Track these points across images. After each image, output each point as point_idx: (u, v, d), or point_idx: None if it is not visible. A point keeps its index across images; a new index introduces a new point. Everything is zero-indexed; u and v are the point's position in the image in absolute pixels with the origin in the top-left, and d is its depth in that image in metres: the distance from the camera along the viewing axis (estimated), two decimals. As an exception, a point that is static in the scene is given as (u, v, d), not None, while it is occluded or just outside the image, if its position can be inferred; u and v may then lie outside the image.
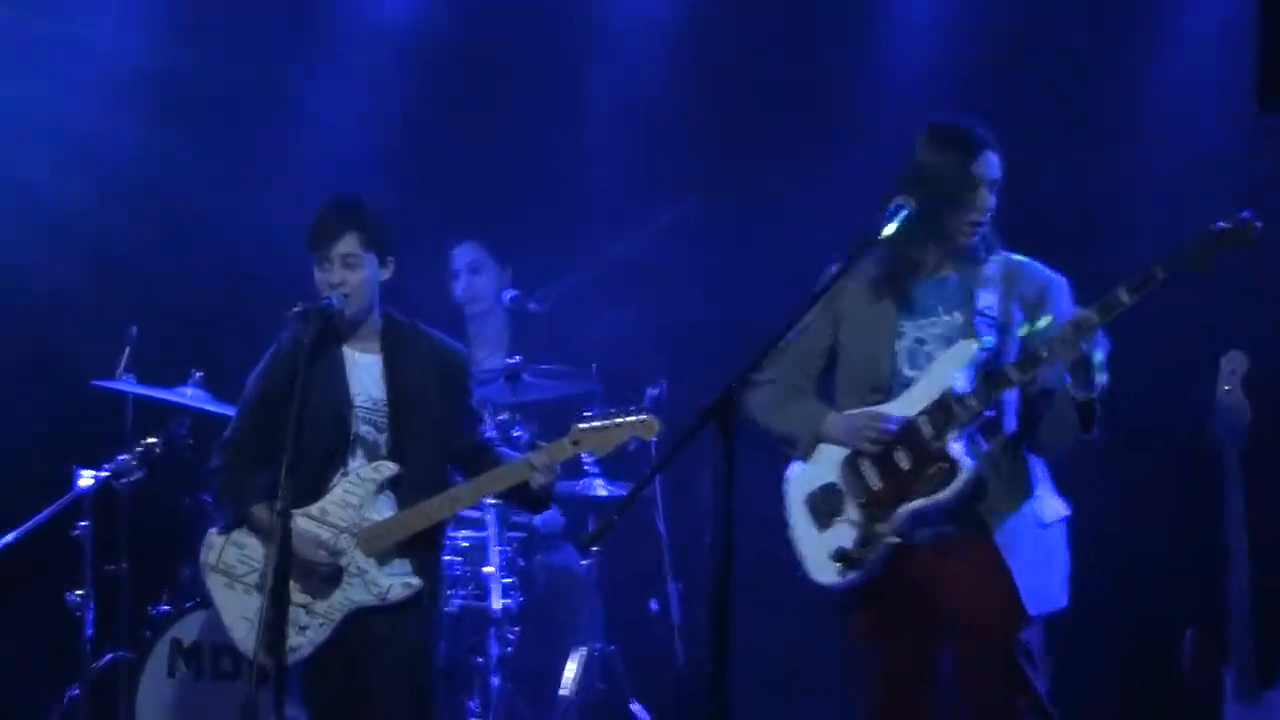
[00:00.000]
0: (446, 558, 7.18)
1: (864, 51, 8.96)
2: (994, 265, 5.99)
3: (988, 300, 5.93)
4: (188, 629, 7.91)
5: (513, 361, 8.29)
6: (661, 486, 8.51)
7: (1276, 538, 7.05)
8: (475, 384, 6.80)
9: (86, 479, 8.03)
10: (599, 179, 9.19)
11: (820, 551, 5.99)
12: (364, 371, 6.47)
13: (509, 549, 8.16)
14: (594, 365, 8.38)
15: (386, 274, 6.46)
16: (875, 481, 5.92)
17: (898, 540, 5.85)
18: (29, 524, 8.07)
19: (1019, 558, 5.83)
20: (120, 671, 8.11)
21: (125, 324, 8.21)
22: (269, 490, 6.09)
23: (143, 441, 8.15)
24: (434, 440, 6.45)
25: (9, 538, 8.06)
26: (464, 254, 8.91)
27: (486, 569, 8.05)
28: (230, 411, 7.85)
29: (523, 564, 8.28)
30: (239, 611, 6.42)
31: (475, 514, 8.01)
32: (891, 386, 5.96)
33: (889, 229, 5.77)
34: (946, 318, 5.97)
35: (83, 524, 8.05)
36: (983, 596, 5.85)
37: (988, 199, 5.94)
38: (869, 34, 8.98)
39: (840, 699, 8.62)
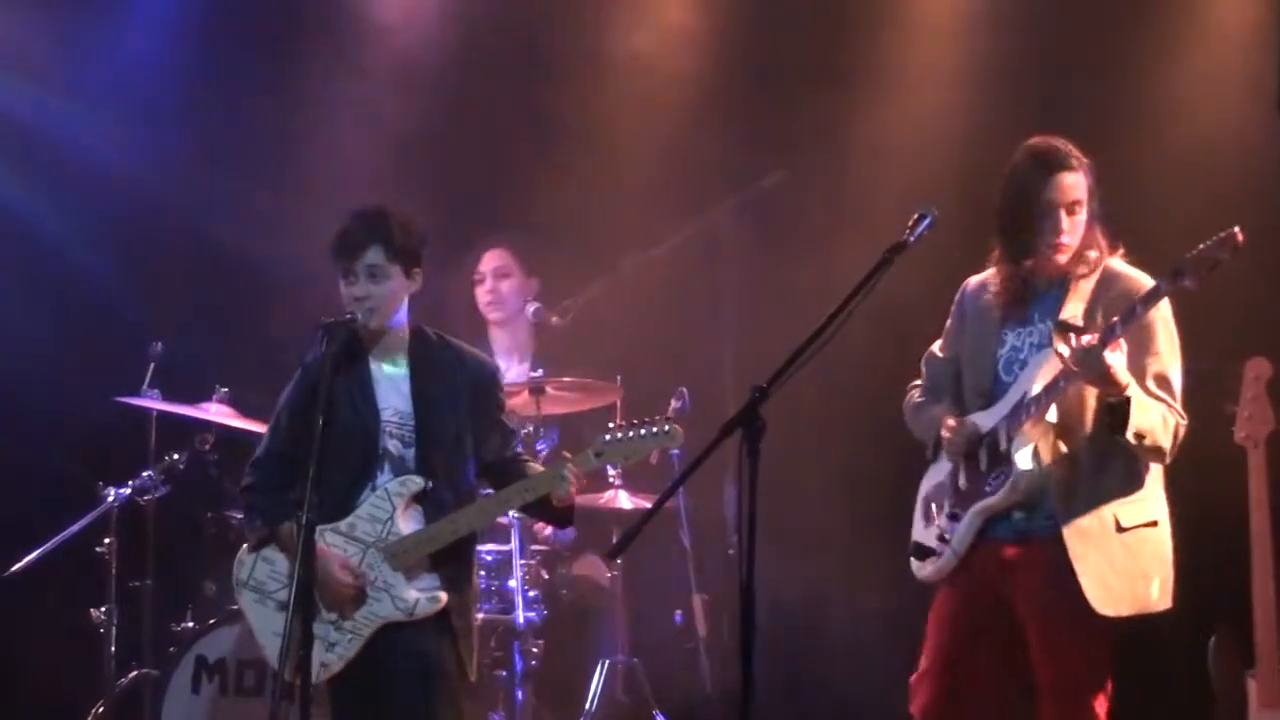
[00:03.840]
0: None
1: (890, 55, 8.95)
2: (1093, 275, 6.19)
3: (1073, 309, 6.11)
4: (212, 645, 7.90)
5: (536, 374, 8.29)
6: (685, 498, 8.50)
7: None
8: (505, 396, 6.76)
9: (111, 495, 8.07)
10: (622, 190, 9.18)
11: (913, 541, 6.39)
12: (390, 385, 6.44)
13: (533, 562, 8.17)
14: (617, 377, 8.39)
15: (414, 286, 6.42)
16: (963, 482, 6.24)
17: (965, 540, 6.17)
18: (54, 540, 8.09)
19: (1089, 558, 6.01)
20: (145, 688, 8.14)
21: (150, 340, 8.24)
22: (296, 507, 6.08)
23: (167, 457, 8.18)
24: (461, 453, 6.43)
25: (34, 554, 8.09)
26: (491, 259, 8.93)
27: (511, 582, 8.05)
28: (254, 427, 7.90)
29: (547, 577, 8.29)
30: (270, 627, 6.39)
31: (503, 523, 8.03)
32: (993, 392, 6.24)
33: (910, 238, 5.79)
34: (1040, 326, 6.19)
35: (107, 540, 8.08)
36: (1045, 594, 6.07)
37: (1061, 221, 6.12)
38: (894, 35, 8.97)
39: (864, 710, 8.68)
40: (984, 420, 6.20)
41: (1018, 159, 6.24)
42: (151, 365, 8.20)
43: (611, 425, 6.47)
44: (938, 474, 6.38)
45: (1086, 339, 5.84)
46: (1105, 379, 5.85)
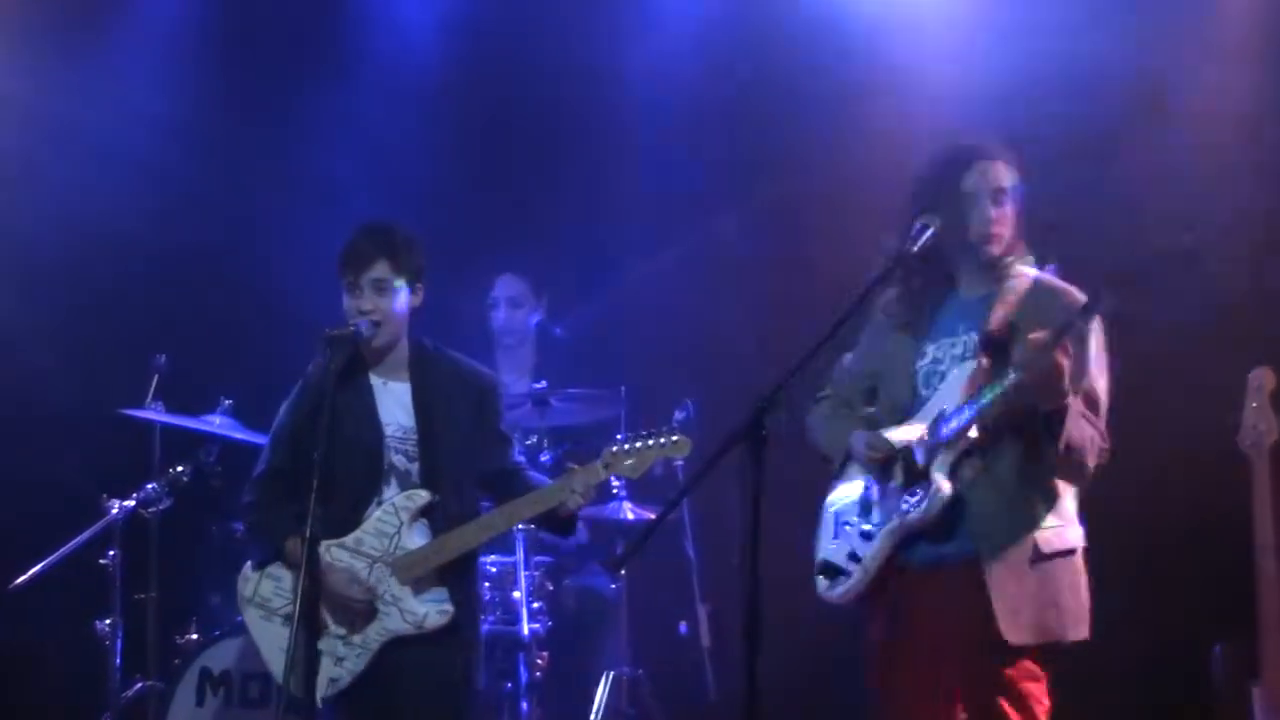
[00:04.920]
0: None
1: (896, 61, 8.93)
2: (1023, 285, 5.88)
3: (999, 318, 5.82)
4: (217, 657, 7.89)
5: (540, 386, 8.30)
6: (690, 509, 8.50)
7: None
8: (505, 407, 6.76)
9: (115, 507, 8.07)
10: (625, 200, 9.19)
11: (820, 559, 6.05)
12: (393, 400, 6.47)
13: (537, 574, 8.17)
14: (621, 389, 8.38)
15: (416, 301, 6.46)
16: (876, 499, 5.92)
17: (877, 560, 5.85)
18: (58, 553, 8.08)
19: (1006, 586, 5.70)
20: (150, 700, 8.12)
21: (153, 352, 8.24)
22: (300, 522, 6.09)
23: (171, 470, 8.18)
24: (465, 466, 6.46)
25: (39, 566, 8.08)
26: (506, 286, 8.94)
27: (515, 594, 8.06)
28: (259, 439, 7.90)
29: (551, 588, 8.29)
30: (276, 644, 6.39)
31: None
32: (911, 407, 5.92)
33: (914, 248, 5.78)
34: (964, 337, 5.89)
35: (111, 552, 8.08)
36: (957, 622, 5.75)
37: (988, 210, 5.84)
38: (897, 38, 8.96)
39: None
40: (898, 436, 5.87)
41: (936, 152, 5.97)
42: (155, 378, 8.20)
43: (620, 436, 6.47)
44: (849, 489, 6.03)
45: (1035, 336, 5.51)
46: (1051, 383, 5.51)
